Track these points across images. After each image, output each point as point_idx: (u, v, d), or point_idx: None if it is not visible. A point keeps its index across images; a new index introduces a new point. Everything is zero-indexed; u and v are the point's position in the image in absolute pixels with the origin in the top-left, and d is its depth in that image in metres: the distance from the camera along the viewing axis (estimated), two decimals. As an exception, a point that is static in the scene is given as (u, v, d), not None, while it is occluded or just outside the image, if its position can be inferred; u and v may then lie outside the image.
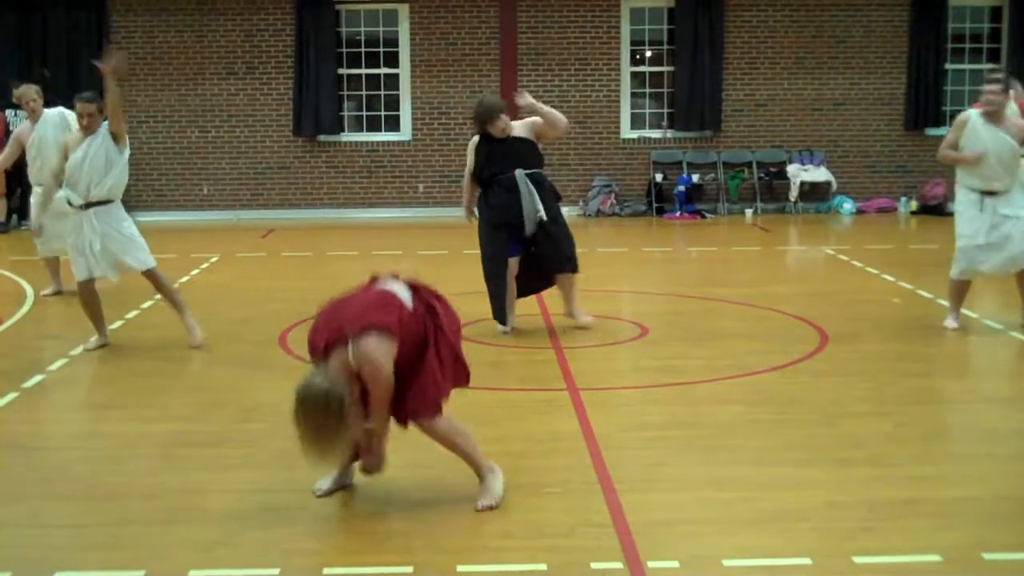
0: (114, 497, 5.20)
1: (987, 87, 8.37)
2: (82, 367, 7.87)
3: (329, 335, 4.79)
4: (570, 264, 8.63)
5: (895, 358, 7.98)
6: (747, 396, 6.90)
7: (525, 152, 8.47)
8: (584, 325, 8.70)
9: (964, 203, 8.58)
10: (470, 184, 8.73)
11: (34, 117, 10.14)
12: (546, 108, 8.52)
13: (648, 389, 7.18)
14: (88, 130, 8.03)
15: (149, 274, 8.38)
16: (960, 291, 8.73)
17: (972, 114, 8.49)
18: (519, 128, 8.51)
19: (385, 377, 4.77)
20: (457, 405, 6.70)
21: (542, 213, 8.37)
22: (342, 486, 5.19)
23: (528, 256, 8.56)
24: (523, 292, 8.76)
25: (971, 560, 4.38)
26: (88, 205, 8.08)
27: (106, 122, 8.10)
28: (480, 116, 8.48)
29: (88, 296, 8.27)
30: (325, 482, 5.15)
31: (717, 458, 5.69)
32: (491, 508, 4.93)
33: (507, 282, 8.54)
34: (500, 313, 8.61)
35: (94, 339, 8.30)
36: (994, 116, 8.32)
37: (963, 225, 8.57)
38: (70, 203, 8.18)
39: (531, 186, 8.37)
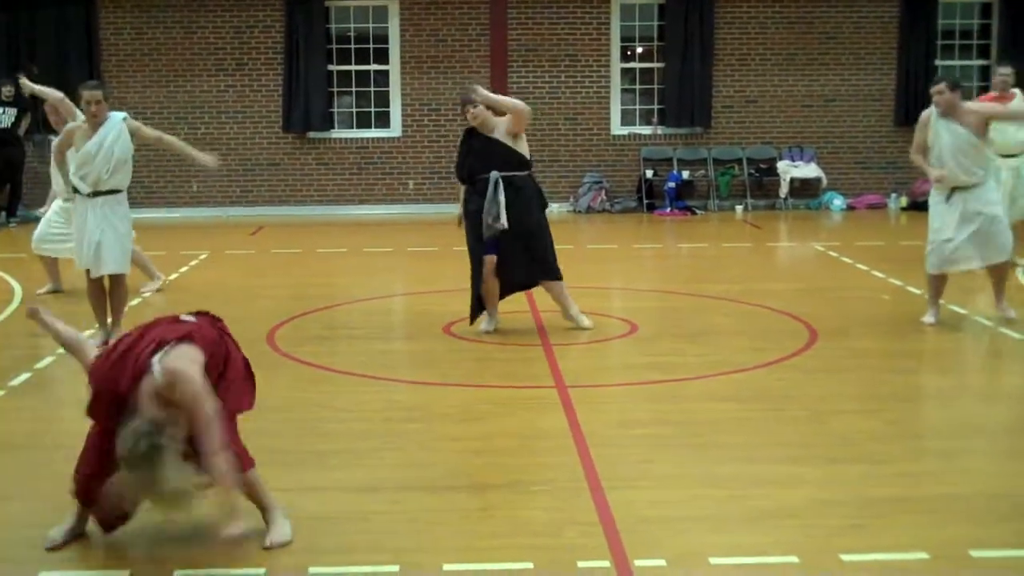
0: (100, 496, 5.16)
1: (933, 88, 8.51)
2: (70, 365, 7.79)
3: (130, 372, 4.27)
4: (545, 273, 8.51)
5: (885, 355, 7.98)
6: (737, 393, 6.89)
7: (503, 153, 8.25)
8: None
9: (934, 197, 8.69)
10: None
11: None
12: (498, 97, 8.43)
13: (637, 386, 7.16)
14: (96, 118, 7.99)
15: (118, 278, 8.34)
16: (936, 285, 8.77)
17: (933, 111, 8.54)
18: (500, 129, 8.33)
19: (203, 389, 4.18)
20: (442, 403, 6.72)
21: (503, 223, 8.13)
22: (77, 535, 4.62)
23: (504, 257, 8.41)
24: (505, 291, 8.67)
25: (959, 557, 4.37)
26: (96, 194, 8.10)
27: (121, 115, 8.18)
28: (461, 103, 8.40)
29: (91, 288, 8.29)
30: (58, 533, 4.57)
31: (706, 455, 5.68)
32: (283, 546, 4.51)
33: (483, 280, 8.39)
34: (473, 310, 8.56)
35: (98, 336, 8.15)
36: (948, 111, 8.42)
37: (932, 219, 8.69)
38: (76, 190, 8.18)
39: (500, 192, 8.15)
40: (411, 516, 4.85)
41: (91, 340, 8.15)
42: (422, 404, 6.80)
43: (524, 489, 5.18)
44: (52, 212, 10.13)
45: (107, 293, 8.33)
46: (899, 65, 17.72)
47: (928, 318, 8.75)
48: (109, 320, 8.37)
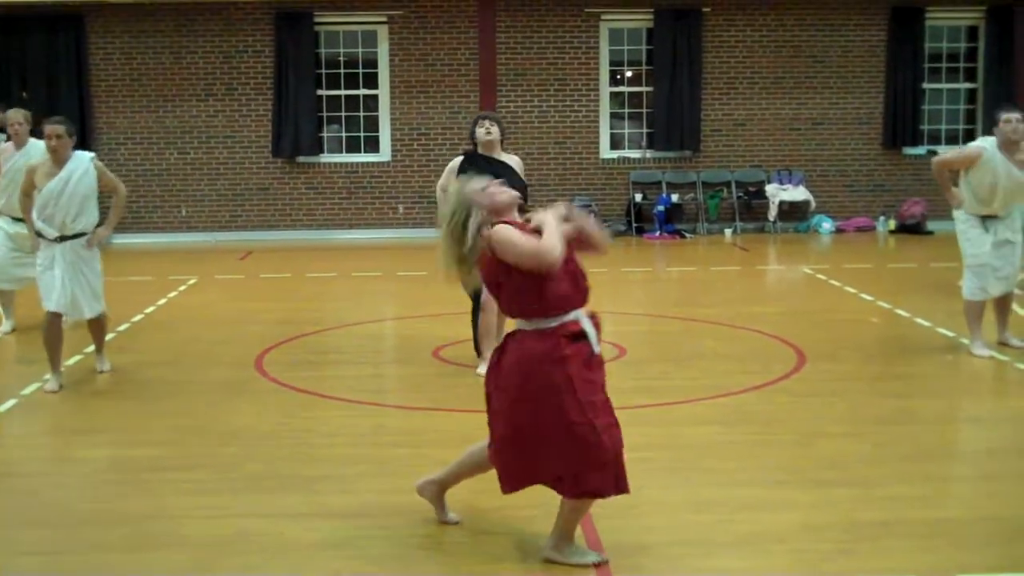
0: (87, 523, 5.15)
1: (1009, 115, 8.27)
2: (56, 392, 7.77)
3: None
4: None
5: (873, 378, 7.98)
6: (725, 417, 6.89)
7: (508, 177, 8.25)
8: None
9: (968, 223, 8.50)
10: None
11: (17, 142, 9.46)
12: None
13: (626, 410, 7.09)
14: (57, 154, 7.67)
15: (96, 318, 8.10)
16: (979, 312, 8.56)
17: (991, 148, 8.34)
18: (509, 160, 8.27)
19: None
20: (432, 428, 6.71)
21: None
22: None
23: None
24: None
25: (947, 582, 4.38)
26: (63, 238, 7.78)
27: (90, 155, 7.88)
28: (475, 119, 8.33)
29: (53, 329, 7.81)
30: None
31: (695, 480, 5.68)
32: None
33: (481, 313, 8.17)
34: (476, 344, 8.40)
35: (50, 379, 7.79)
36: (1012, 145, 8.26)
37: (969, 245, 8.50)
38: (40, 235, 7.81)
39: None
40: (399, 542, 4.84)
41: (46, 386, 7.76)
42: (411, 429, 6.79)
43: (514, 515, 5.16)
44: (5, 243, 9.56)
45: (87, 326, 8.17)
46: (887, 88, 17.79)
47: (981, 350, 8.48)
48: (62, 363, 7.99)
